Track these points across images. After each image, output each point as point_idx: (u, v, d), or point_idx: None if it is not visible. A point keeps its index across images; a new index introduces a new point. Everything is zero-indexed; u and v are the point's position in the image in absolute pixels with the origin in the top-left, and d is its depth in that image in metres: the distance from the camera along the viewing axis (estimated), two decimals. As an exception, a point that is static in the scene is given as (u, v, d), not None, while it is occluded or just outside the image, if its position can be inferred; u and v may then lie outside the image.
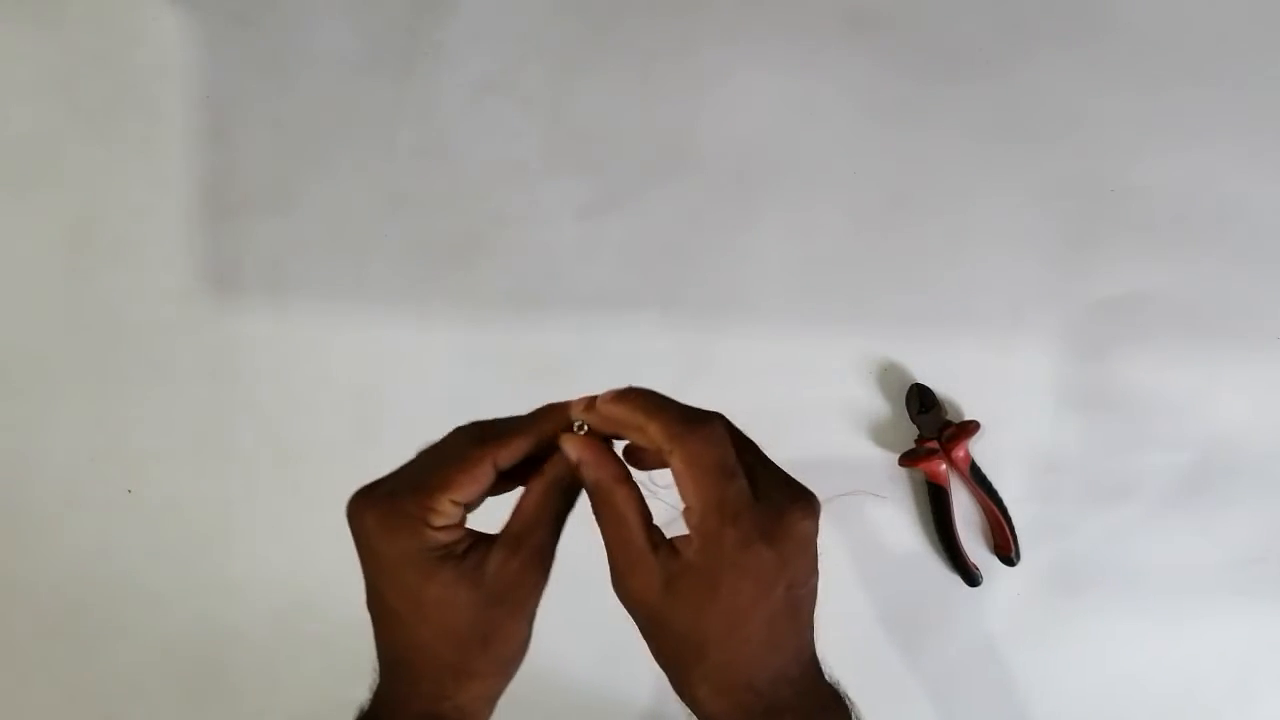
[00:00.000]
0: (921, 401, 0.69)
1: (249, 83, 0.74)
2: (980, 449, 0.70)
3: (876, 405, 0.71)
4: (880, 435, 0.71)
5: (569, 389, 0.69)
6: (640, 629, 0.40)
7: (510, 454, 0.40)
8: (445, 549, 0.38)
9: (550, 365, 0.72)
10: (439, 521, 0.38)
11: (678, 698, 0.40)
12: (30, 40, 0.75)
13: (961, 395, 0.71)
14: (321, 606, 0.71)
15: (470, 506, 0.39)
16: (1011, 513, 0.70)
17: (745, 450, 0.39)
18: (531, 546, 0.39)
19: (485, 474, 0.39)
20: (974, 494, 0.70)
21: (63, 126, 0.74)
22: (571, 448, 0.40)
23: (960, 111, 0.73)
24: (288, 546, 0.72)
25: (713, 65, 0.74)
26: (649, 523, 0.39)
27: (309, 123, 0.74)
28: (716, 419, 0.39)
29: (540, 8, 0.74)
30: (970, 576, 0.70)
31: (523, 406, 0.73)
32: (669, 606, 0.37)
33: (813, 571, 0.39)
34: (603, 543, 0.39)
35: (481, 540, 0.40)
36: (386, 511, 0.39)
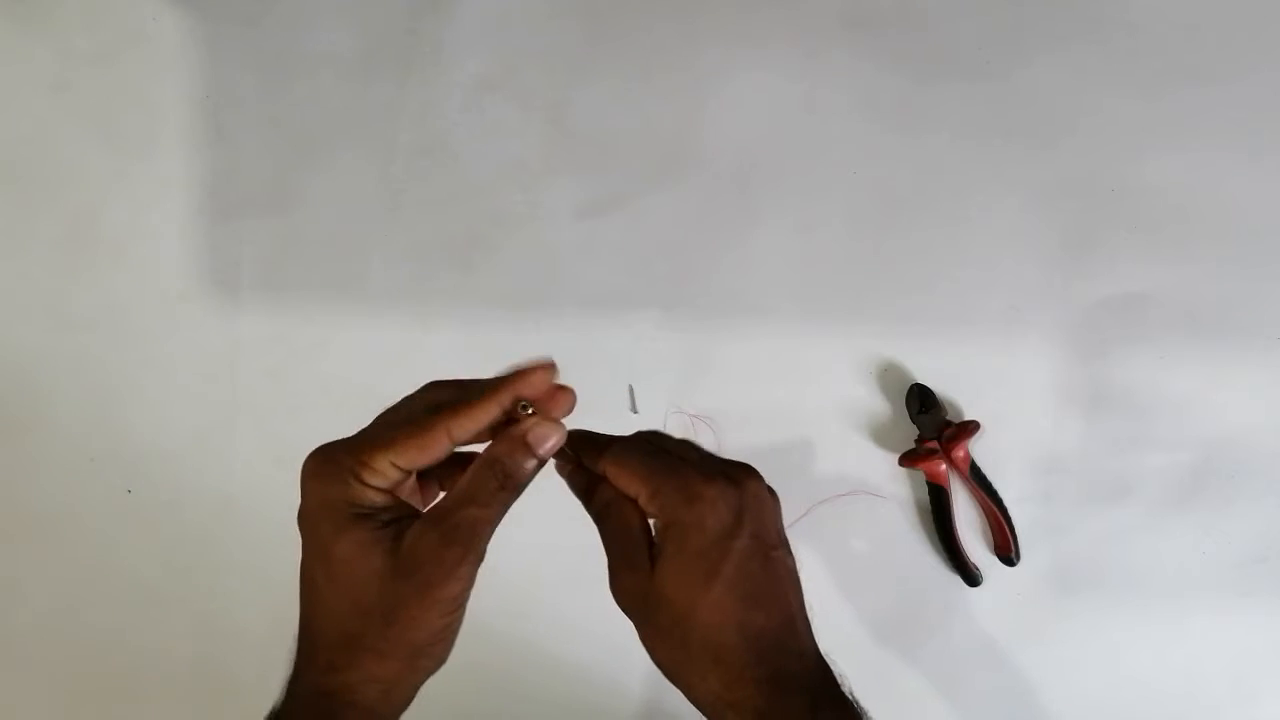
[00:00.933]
0: (921, 401, 0.69)
1: (249, 83, 0.74)
2: (980, 449, 0.70)
3: (876, 405, 0.71)
4: (880, 435, 0.71)
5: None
6: (641, 635, 0.40)
7: (468, 428, 0.38)
8: (369, 509, 0.37)
9: (550, 365, 0.71)
10: (372, 480, 0.37)
11: (693, 703, 0.40)
12: (30, 40, 0.75)
13: (961, 395, 0.71)
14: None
15: (421, 474, 0.39)
16: (1011, 513, 0.70)
17: (678, 445, 0.41)
18: (453, 525, 0.37)
19: (437, 445, 0.38)
20: (974, 494, 0.70)
21: (63, 126, 0.74)
22: (560, 463, 0.41)
23: (960, 111, 0.73)
24: (287, 546, 0.72)
25: (713, 65, 0.74)
26: (644, 528, 0.40)
27: (309, 123, 0.74)
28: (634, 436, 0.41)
29: (540, 8, 0.74)
30: (970, 576, 0.70)
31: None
32: (655, 581, 0.38)
33: (780, 537, 0.40)
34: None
35: (413, 516, 0.38)
36: (323, 459, 0.38)
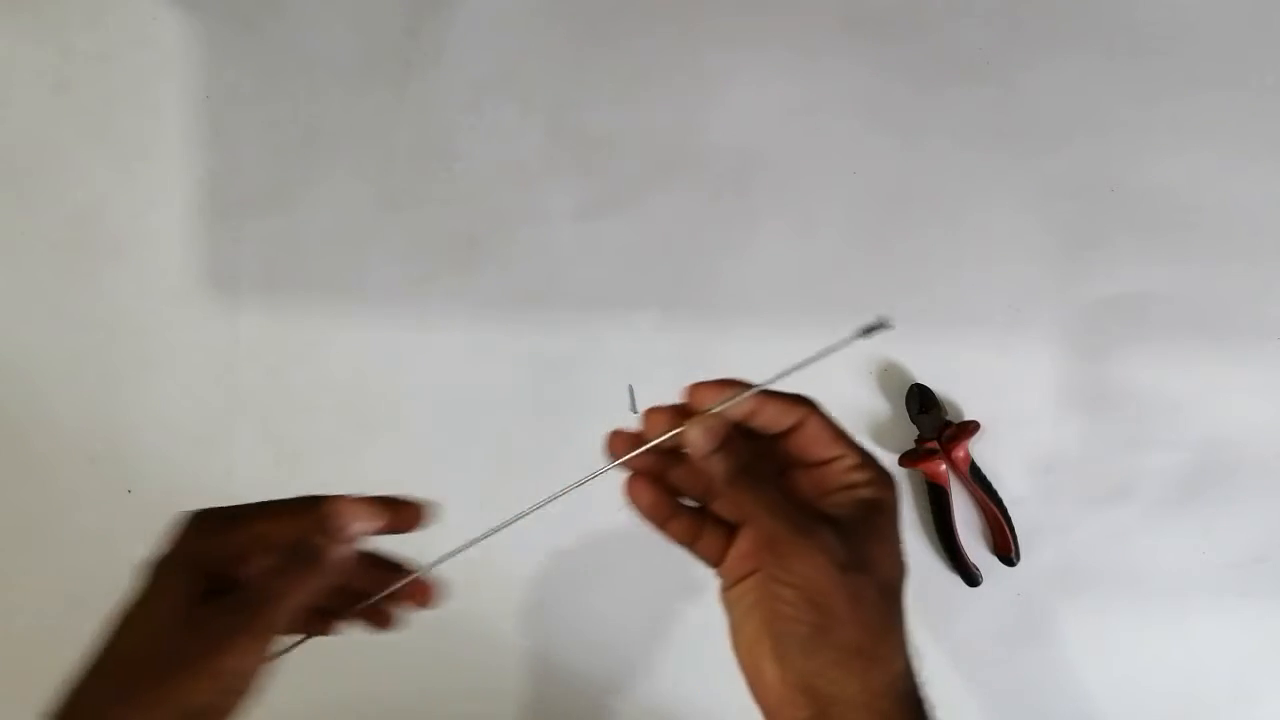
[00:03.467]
0: (921, 401, 0.69)
1: (249, 83, 0.74)
2: (980, 449, 0.70)
3: (876, 405, 0.71)
4: (880, 435, 0.71)
5: (569, 389, 0.69)
6: (826, 590, 0.36)
7: (370, 525, 0.40)
8: (199, 567, 0.39)
9: (550, 365, 0.71)
10: (232, 550, 0.39)
11: (858, 682, 0.37)
12: (30, 40, 0.75)
13: (961, 395, 0.71)
14: (321, 606, 0.71)
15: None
16: (1011, 513, 0.69)
17: None
18: (243, 597, 0.38)
19: (291, 525, 0.40)
20: (974, 494, 0.70)
21: (63, 126, 0.74)
22: (699, 435, 0.39)
23: (960, 112, 0.73)
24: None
25: (713, 66, 0.74)
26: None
27: (309, 122, 0.74)
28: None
29: (540, 9, 0.74)
30: (970, 576, 0.70)
31: (522, 406, 0.74)
32: (865, 549, 0.37)
33: None
34: (760, 520, 0.38)
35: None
36: (205, 519, 0.40)
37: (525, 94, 0.74)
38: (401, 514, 0.41)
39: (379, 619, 0.44)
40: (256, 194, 0.74)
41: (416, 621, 0.70)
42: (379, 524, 0.40)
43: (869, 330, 0.39)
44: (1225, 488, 0.70)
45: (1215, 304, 0.71)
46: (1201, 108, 0.72)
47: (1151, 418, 0.71)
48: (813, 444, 0.39)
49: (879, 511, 0.38)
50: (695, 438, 0.38)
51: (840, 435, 0.39)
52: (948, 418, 0.70)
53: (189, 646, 0.37)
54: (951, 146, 0.72)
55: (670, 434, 0.39)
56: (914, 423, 0.70)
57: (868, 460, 0.39)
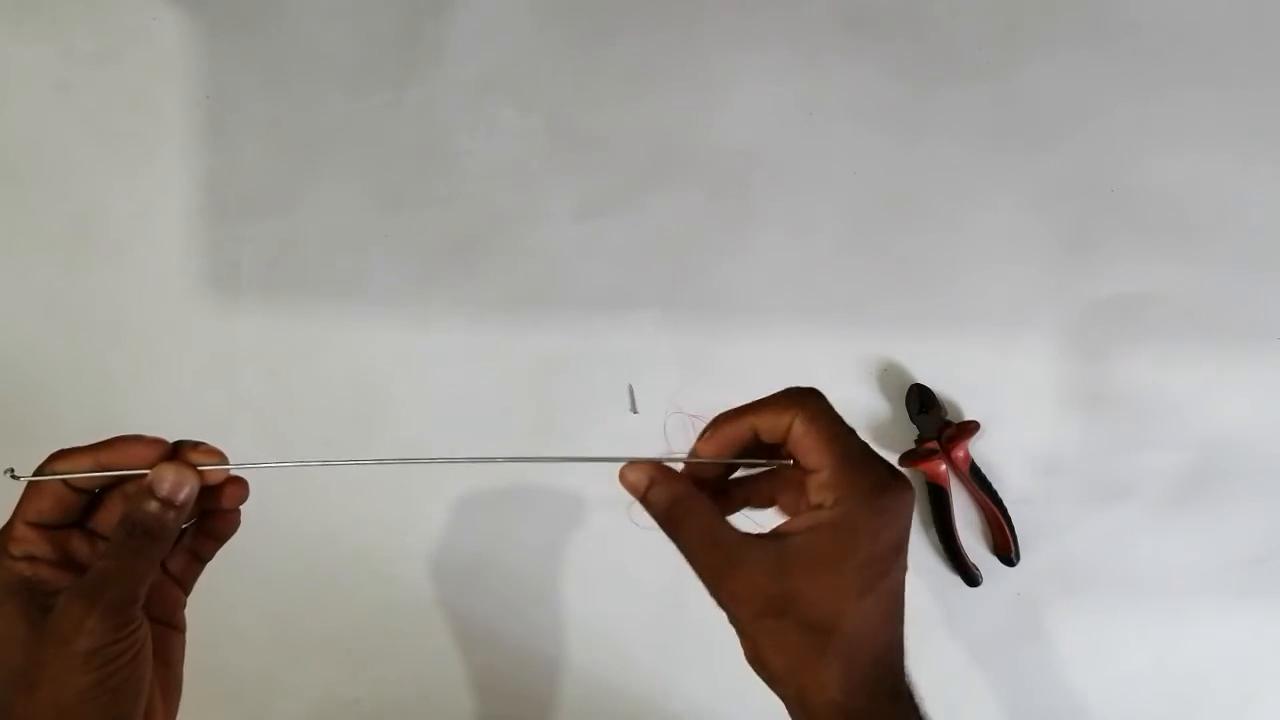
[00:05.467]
0: (921, 401, 0.69)
1: (249, 83, 0.74)
2: (980, 449, 0.70)
3: (876, 405, 0.71)
4: (880, 435, 0.71)
5: (569, 389, 0.69)
6: (750, 632, 0.37)
7: (76, 466, 0.39)
8: (23, 582, 0.37)
9: (550, 365, 0.71)
10: (16, 550, 0.37)
11: (796, 706, 0.37)
12: (30, 40, 0.75)
13: (961, 395, 0.71)
14: (322, 607, 0.71)
15: (59, 525, 0.39)
16: (1011, 513, 0.70)
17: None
18: (84, 581, 0.37)
19: (54, 489, 0.38)
20: (974, 494, 0.70)
21: (63, 126, 0.74)
22: (635, 474, 0.39)
23: (960, 112, 0.73)
24: (288, 546, 0.72)
25: (713, 66, 0.74)
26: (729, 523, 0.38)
27: (309, 122, 0.74)
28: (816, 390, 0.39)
29: (540, 8, 0.74)
30: (970, 576, 0.70)
31: (522, 406, 0.74)
32: (794, 581, 0.35)
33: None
34: (689, 560, 0.38)
35: (61, 582, 0.38)
36: None
37: (525, 94, 0.74)
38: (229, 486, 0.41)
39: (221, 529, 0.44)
40: (256, 194, 0.74)
41: (417, 622, 0.70)
42: (193, 487, 0.40)
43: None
44: (1225, 488, 0.70)
45: (1215, 304, 0.71)
46: (1201, 108, 0.72)
47: (1151, 418, 0.71)
48: (800, 452, 0.37)
49: (836, 538, 0.35)
50: (628, 482, 0.38)
51: (827, 440, 0.36)
52: (948, 418, 0.70)
53: (45, 652, 0.36)
54: (951, 146, 0.72)
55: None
56: (914, 423, 0.70)
57: (843, 476, 0.36)
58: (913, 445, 0.70)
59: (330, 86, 0.74)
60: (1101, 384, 0.71)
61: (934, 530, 0.70)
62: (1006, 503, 0.70)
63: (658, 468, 0.38)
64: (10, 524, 0.38)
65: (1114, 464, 0.71)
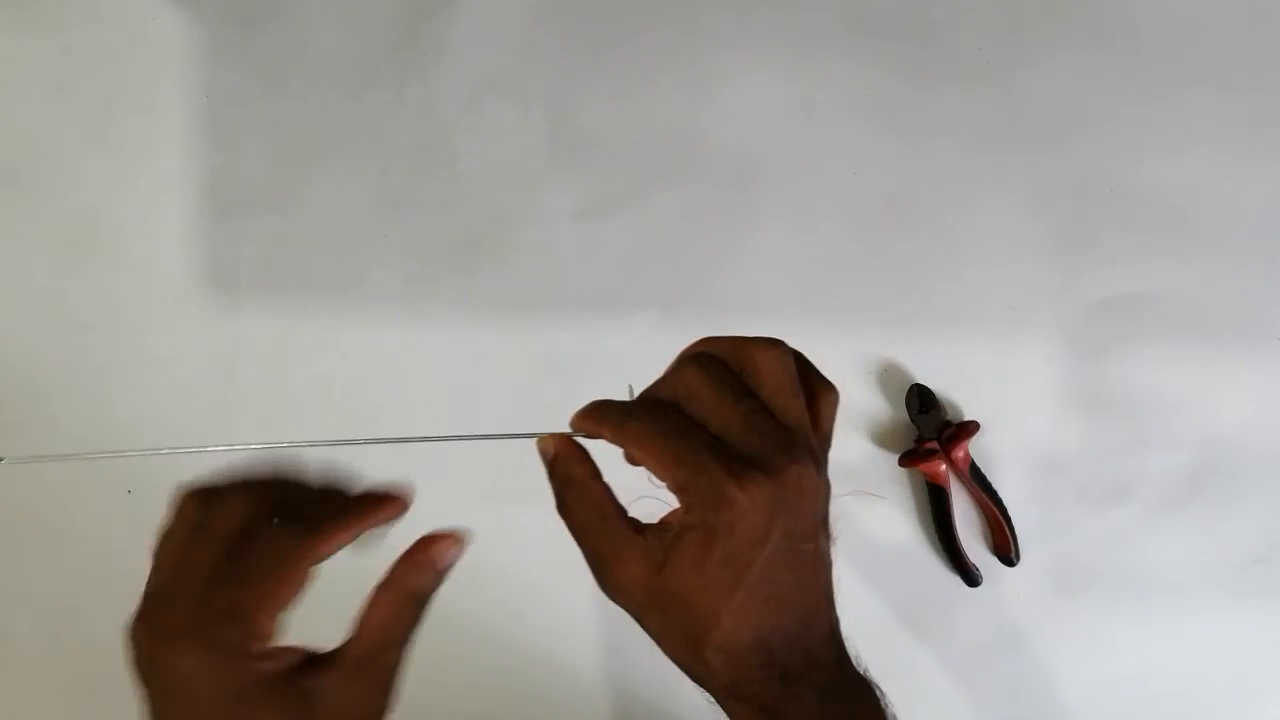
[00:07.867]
0: (921, 401, 0.69)
1: (249, 83, 0.74)
2: (980, 449, 0.70)
3: (876, 405, 0.71)
4: (880, 435, 0.71)
5: (569, 389, 0.69)
6: (642, 622, 0.37)
7: (333, 547, 0.37)
8: (270, 679, 0.34)
9: (550, 365, 0.71)
10: (260, 648, 0.34)
11: (697, 686, 0.38)
12: (30, 40, 0.75)
13: (961, 395, 0.71)
14: (322, 607, 0.71)
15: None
16: (1011, 513, 0.70)
17: (717, 407, 0.36)
18: (378, 675, 0.35)
19: (304, 576, 0.36)
20: (974, 494, 0.70)
21: (63, 126, 0.74)
22: (544, 444, 0.39)
23: (960, 112, 0.73)
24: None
25: (713, 66, 0.74)
26: (625, 513, 0.37)
27: (308, 122, 0.74)
28: (658, 388, 0.39)
29: (540, 8, 0.74)
30: (970, 576, 0.70)
31: (522, 406, 0.74)
32: (668, 581, 0.35)
33: (816, 531, 0.36)
34: (579, 544, 0.38)
35: (312, 660, 0.36)
36: (205, 646, 0.33)
37: (525, 94, 0.74)
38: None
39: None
40: (256, 194, 0.74)
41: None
42: (464, 547, 0.39)
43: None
44: (1225, 488, 0.70)
45: (1214, 304, 0.71)
46: (1201, 108, 0.72)
47: (1151, 418, 0.71)
48: (646, 465, 0.37)
49: (696, 539, 0.35)
50: (540, 450, 0.39)
51: (656, 457, 0.35)
52: (948, 418, 0.70)
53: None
54: (951, 146, 0.72)
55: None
56: (914, 423, 0.70)
57: (687, 483, 0.34)
58: (913, 445, 0.70)
59: (330, 86, 0.74)
60: (1101, 384, 0.71)
61: (934, 530, 0.70)
62: (1006, 503, 0.70)
63: (566, 445, 0.38)
64: (256, 619, 0.34)
65: (1114, 464, 0.71)
